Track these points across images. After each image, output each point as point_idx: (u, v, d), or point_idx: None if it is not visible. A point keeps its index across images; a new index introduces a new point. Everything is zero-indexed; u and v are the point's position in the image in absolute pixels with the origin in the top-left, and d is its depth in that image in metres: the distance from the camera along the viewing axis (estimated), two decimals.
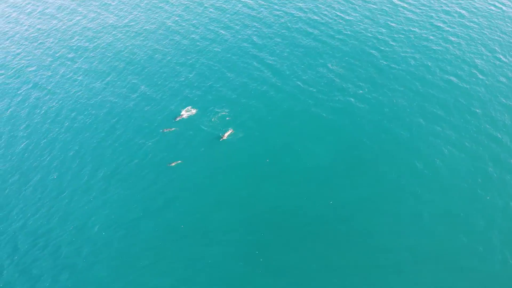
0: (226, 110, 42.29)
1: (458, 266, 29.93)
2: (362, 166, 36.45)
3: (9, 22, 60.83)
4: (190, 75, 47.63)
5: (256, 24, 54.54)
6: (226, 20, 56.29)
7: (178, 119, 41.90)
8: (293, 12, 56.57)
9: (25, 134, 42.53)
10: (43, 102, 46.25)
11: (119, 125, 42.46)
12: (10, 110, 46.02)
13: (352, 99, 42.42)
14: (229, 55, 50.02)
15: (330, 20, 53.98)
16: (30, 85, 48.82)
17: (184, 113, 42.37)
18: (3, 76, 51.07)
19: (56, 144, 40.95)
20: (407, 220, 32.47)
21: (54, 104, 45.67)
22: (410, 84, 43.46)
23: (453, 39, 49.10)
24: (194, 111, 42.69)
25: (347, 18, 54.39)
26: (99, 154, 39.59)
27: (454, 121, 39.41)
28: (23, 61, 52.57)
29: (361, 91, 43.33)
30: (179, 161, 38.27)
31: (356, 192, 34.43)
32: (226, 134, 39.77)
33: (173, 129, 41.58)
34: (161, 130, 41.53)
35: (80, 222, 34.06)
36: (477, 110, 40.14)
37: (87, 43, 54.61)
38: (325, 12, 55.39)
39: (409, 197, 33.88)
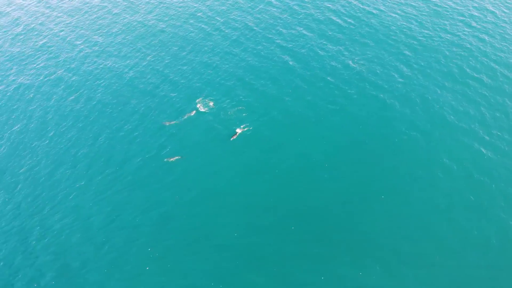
0: (243, 106, 39.59)
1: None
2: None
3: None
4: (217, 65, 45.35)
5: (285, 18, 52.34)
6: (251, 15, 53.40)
7: (189, 114, 39.14)
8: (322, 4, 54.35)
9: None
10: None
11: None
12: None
13: (381, 95, 40.13)
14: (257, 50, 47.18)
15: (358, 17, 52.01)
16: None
17: (201, 107, 39.75)
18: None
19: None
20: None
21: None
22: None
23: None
24: (211, 103, 40.02)
25: (377, 13, 52.00)
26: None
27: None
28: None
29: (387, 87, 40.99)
30: (178, 157, 35.46)
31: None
32: (237, 133, 36.85)
33: (173, 122, 38.99)
34: (162, 123, 39.01)
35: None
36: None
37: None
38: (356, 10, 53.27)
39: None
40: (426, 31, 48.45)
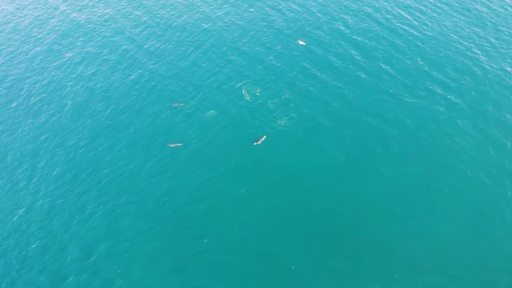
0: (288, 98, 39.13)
1: None
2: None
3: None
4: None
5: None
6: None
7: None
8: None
9: None
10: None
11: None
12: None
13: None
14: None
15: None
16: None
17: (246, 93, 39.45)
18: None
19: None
20: None
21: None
22: None
23: None
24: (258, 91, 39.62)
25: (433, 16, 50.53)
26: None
27: None
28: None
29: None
30: (180, 144, 36.22)
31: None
32: (262, 139, 35.77)
33: (181, 104, 39.85)
34: (170, 104, 40.02)
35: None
36: None
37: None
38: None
39: None
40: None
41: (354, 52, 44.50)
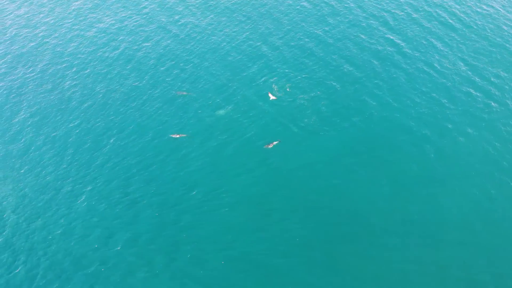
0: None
1: None
2: None
3: None
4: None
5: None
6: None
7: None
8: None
9: None
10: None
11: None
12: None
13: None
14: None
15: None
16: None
17: (275, 87, 38.95)
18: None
19: None
20: None
21: None
22: None
23: None
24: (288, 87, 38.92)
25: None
26: None
27: None
28: None
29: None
30: (184, 135, 36.07)
31: None
32: (274, 143, 35.01)
33: (185, 93, 39.70)
34: (174, 92, 40.09)
35: None
36: None
37: None
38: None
39: None
40: None
41: (393, 50, 43.27)
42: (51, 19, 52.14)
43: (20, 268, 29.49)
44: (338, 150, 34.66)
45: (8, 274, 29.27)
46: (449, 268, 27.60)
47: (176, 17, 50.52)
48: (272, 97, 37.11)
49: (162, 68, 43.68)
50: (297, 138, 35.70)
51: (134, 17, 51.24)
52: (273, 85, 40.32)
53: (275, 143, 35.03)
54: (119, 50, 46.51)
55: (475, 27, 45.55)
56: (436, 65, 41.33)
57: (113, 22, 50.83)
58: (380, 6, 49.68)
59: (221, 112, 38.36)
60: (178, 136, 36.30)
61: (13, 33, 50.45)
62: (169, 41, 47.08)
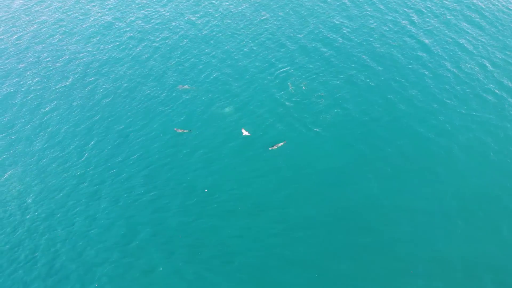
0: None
1: None
2: None
3: None
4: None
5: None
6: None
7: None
8: None
9: None
10: None
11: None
12: None
13: None
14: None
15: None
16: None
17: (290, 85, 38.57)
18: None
19: None
20: None
21: None
22: None
23: None
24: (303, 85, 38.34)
25: None
26: None
27: None
28: None
29: None
30: (187, 130, 36.08)
31: None
32: (279, 144, 34.36)
33: (188, 87, 39.68)
34: (177, 87, 40.06)
35: None
36: None
37: None
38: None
39: None
40: None
41: (418, 47, 42.60)
42: (75, 12, 52.54)
43: (39, 258, 29.85)
44: (351, 151, 34.20)
45: (26, 263, 29.64)
46: None
47: (199, 13, 50.45)
48: (245, 132, 34.98)
49: (185, 65, 43.62)
50: (309, 138, 35.22)
51: (158, 10, 51.27)
52: (289, 83, 39.86)
53: (280, 144, 34.47)
54: (143, 45, 46.66)
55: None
56: (461, 65, 40.42)
57: (134, 16, 50.98)
58: (404, 3, 48.70)
59: (227, 109, 38.16)
60: (180, 131, 36.34)
61: (36, 26, 51.02)
62: (190, 38, 47.00)
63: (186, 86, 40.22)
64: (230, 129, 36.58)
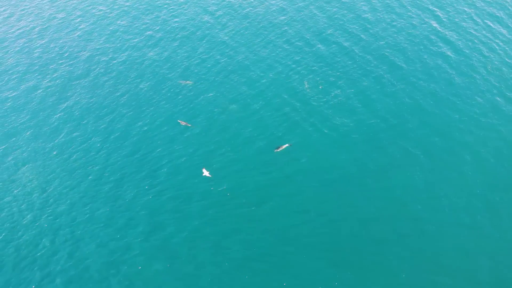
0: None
1: None
2: None
3: None
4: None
5: None
6: None
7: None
8: None
9: None
10: None
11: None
12: None
13: None
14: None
15: None
16: None
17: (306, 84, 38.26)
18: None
19: None
20: None
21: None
22: None
23: None
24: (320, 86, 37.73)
25: None
26: None
27: None
28: None
29: None
30: (190, 125, 35.84)
31: None
32: (283, 146, 33.74)
33: (188, 82, 39.60)
34: (178, 81, 40.07)
35: None
36: None
37: None
38: None
39: None
40: None
41: (445, 47, 41.80)
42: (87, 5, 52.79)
43: (45, 249, 29.85)
44: (368, 153, 33.38)
45: (35, 254, 29.62)
46: None
47: (213, 9, 50.21)
48: (205, 173, 32.96)
49: (207, 66, 43.37)
50: (324, 140, 34.49)
51: (171, 6, 51.21)
52: (305, 82, 39.25)
53: (285, 146, 33.86)
54: (155, 40, 46.68)
55: None
56: (482, 67, 39.58)
57: (149, 10, 51.00)
58: (431, 3, 47.84)
59: (234, 106, 37.89)
60: (184, 123, 36.29)
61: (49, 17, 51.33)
62: (206, 33, 46.89)
63: (188, 82, 40.22)
64: (250, 130, 36.14)
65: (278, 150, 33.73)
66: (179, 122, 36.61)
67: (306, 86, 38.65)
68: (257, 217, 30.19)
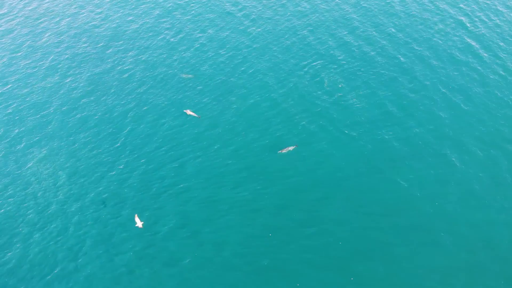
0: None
1: None
2: None
3: None
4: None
5: None
6: None
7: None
8: None
9: None
10: None
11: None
12: None
13: None
14: None
15: None
16: None
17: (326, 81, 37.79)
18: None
19: None
20: None
21: None
22: None
23: None
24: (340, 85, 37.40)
25: None
26: None
27: None
28: None
29: None
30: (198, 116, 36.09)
31: None
32: (289, 148, 33.31)
33: (190, 75, 39.64)
34: (180, 74, 40.19)
35: None
36: None
37: None
38: None
39: None
40: None
41: (475, 45, 41.26)
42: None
43: (67, 240, 29.99)
44: (380, 155, 32.96)
45: (55, 244, 29.80)
46: None
47: (240, 7, 50.09)
48: (138, 222, 30.26)
49: (221, 57, 43.31)
50: (339, 141, 34.17)
51: (195, 3, 51.16)
52: (325, 80, 38.97)
53: (290, 148, 33.35)
54: (181, 35, 46.56)
55: None
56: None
57: (173, 6, 50.98)
58: (454, 4, 47.21)
59: (262, 106, 37.55)
60: (190, 113, 36.62)
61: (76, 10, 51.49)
62: (229, 31, 46.68)
63: (190, 75, 40.33)
64: (264, 127, 35.89)
65: (283, 151, 33.34)
66: (185, 112, 36.82)
67: (326, 83, 38.41)
68: None
